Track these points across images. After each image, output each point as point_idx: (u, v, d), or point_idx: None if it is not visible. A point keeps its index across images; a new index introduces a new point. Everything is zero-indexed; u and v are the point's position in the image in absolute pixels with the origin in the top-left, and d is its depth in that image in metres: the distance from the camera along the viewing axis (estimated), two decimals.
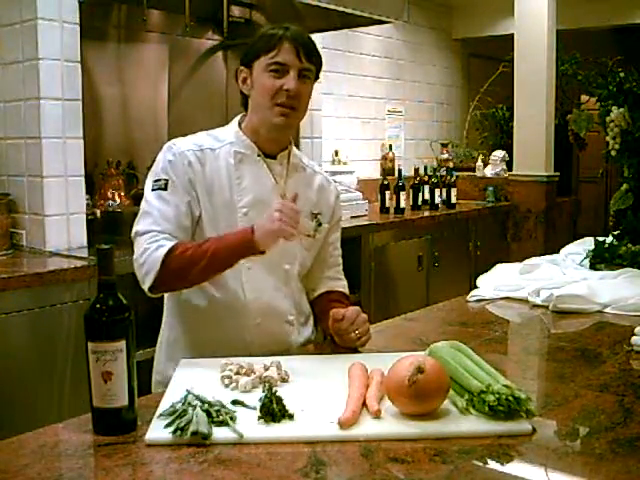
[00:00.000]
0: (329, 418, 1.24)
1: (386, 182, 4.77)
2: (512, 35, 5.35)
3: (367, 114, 5.48)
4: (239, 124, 1.79)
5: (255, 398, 1.31)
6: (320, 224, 1.83)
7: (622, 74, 2.72)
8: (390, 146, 5.51)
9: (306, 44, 1.69)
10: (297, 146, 1.97)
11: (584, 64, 5.70)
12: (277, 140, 1.77)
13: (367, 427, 1.23)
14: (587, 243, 2.71)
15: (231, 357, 1.56)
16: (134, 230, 1.70)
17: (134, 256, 1.67)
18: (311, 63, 1.70)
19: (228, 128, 1.81)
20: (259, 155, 1.76)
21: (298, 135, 3.98)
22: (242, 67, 1.74)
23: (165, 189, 1.69)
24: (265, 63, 1.68)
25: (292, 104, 1.68)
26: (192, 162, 1.71)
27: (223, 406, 1.26)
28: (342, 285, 1.93)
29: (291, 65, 1.67)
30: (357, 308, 1.70)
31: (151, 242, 1.64)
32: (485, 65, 6.42)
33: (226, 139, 1.77)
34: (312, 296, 1.91)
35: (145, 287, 1.66)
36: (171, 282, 1.66)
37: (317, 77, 1.77)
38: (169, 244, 1.63)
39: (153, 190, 1.70)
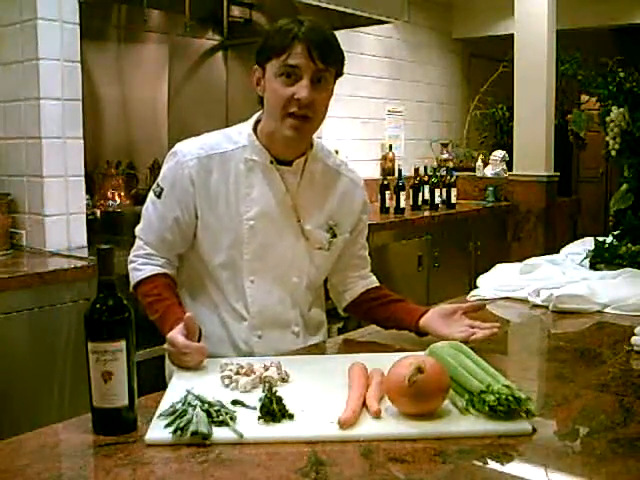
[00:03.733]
0: (329, 418, 1.24)
1: (386, 182, 4.76)
2: (512, 35, 5.35)
3: (367, 114, 5.48)
4: (255, 125, 1.70)
5: (255, 398, 1.31)
6: (335, 236, 1.75)
7: (622, 74, 2.72)
8: (390, 146, 5.51)
9: (321, 43, 1.55)
10: None
11: (584, 64, 5.69)
12: (292, 147, 1.68)
13: (367, 427, 1.22)
14: (587, 243, 2.71)
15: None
16: (137, 227, 1.79)
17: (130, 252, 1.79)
18: (327, 64, 1.57)
19: (244, 128, 1.71)
20: (272, 162, 1.67)
21: None
22: (256, 66, 1.64)
23: (159, 197, 1.71)
24: (277, 67, 1.56)
25: (305, 113, 1.58)
26: (193, 174, 1.66)
27: (223, 406, 1.26)
28: (374, 281, 1.89)
29: (304, 69, 1.55)
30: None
31: (136, 256, 1.75)
32: (485, 65, 6.42)
33: (240, 141, 1.69)
34: (346, 300, 1.86)
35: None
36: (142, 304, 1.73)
37: (338, 75, 1.65)
38: (144, 271, 1.71)
39: (152, 193, 1.74)
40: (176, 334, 1.51)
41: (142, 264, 1.72)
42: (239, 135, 1.71)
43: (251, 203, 1.67)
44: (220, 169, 1.67)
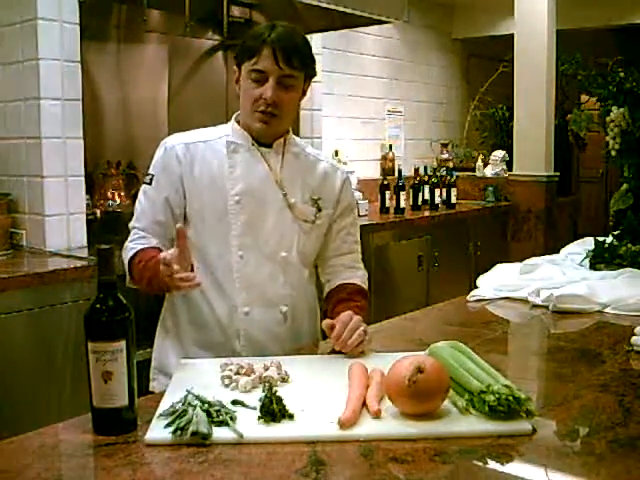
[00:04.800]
0: (329, 418, 1.24)
1: (386, 182, 4.77)
2: (512, 35, 5.35)
3: (367, 114, 5.48)
4: (237, 119, 1.81)
5: (255, 398, 1.31)
6: (320, 209, 1.80)
7: (622, 74, 2.72)
8: (390, 146, 5.51)
9: (288, 48, 1.65)
10: None
11: (584, 64, 5.69)
12: (268, 135, 1.76)
13: (367, 427, 1.23)
14: (587, 243, 2.71)
15: (225, 347, 1.63)
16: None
17: None
18: (293, 68, 1.67)
19: (227, 124, 1.83)
20: (253, 144, 1.76)
21: (298, 135, 3.97)
22: (235, 67, 1.75)
23: (150, 184, 1.78)
24: (247, 69, 1.69)
25: (271, 111, 1.69)
26: (180, 156, 1.75)
27: (223, 406, 1.26)
28: (359, 276, 1.88)
29: (270, 72, 1.66)
30: (350, 313, 1.64)
31: (130, 241, 1.77)
32: (485, 65, 6.42)
33: (222, 132, 1.80)
34: (327, 289, 1.88)
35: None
36: (137, 283, 1.74)
37: (310, 77, 1.75)
38: (137, 247, 1.73)
39: (144, 183, 1.80)
40: (166, 254, 1.50)
41: (135, 243, 1.75)
42: (222, 129, 1.82)
43: (235, 181, 1.74)
44: (204, 153, 1.76)
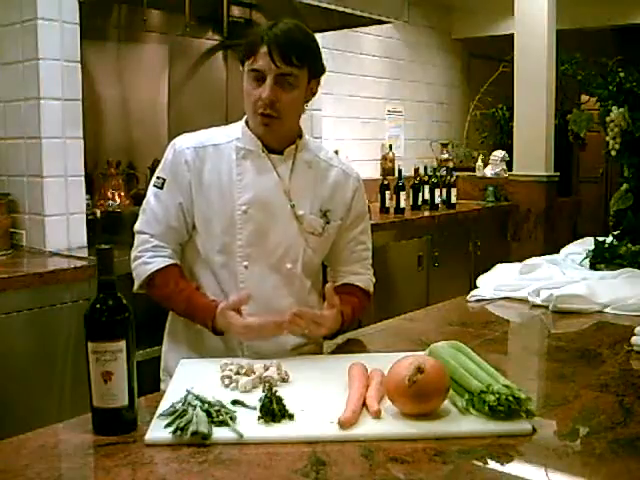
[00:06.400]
0: (329, 418, 1.24)
1: (386, 182, 4.77)
2: (512, 35, 5.35)
3: (367, 114, 5.48)
4: (247, 120, 1.76)
5: (255, 398, 1.31)
6: (329, 222, 1.77)
7: (622, 74, 2.72)
8: (390, 146, 5.51)
9: (285, 45, 1.60)
10: None
11: (584, 64, 5.70)
12: (273, 140, 1.72)
13: (367, 427, 1.23)
14: (587, 243, 2.71)
15: (229, 356, 1.59)
16: (135, 225, 1.78)
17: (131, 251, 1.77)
18: (292, 66, 1.61)
19: (237, 124, 1.78)
20: (263, 151, 1.72)
21: None
22: (242, 67, 1.71)
23: (161, 188, 1.74)
24: (247, 69, 1.65)
25: (271, 112, 1.64)
26: (189, 160, 1.71)
27: (223, 406, 1.26)
28: (364, 279, 1.85)
29: (267, 71, 1.61)
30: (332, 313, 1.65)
31: (142, 251, 1.73)
32: (485, 65, 6.42)
33: (233, 135, 1.75)
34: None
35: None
36: (159, 300, 1.76)
37: (316, 76, 1.70)
38: (155, 263, 1.71)
39: (153, 186, 1.76)
40: (242, 319, 1.61)
41: (151, 257, 1.71)
42: (233, 130, 1.77)
43: (243, 189, 1.71)
44: (214, 159, 1.73)
